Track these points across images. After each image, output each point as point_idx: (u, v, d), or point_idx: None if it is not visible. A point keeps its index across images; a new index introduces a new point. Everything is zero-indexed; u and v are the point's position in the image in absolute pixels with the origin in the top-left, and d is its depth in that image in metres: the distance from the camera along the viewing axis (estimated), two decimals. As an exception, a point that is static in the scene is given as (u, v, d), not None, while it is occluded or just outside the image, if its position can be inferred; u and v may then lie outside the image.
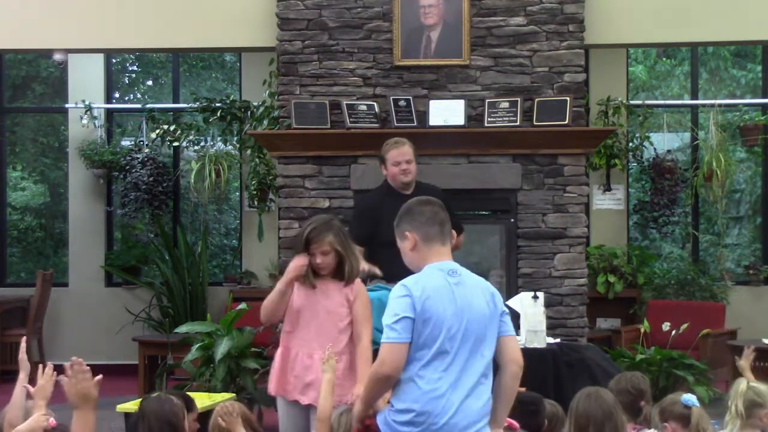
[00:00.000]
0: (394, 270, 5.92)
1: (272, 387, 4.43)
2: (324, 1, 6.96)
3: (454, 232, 5.10)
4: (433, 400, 3.17)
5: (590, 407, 3.65)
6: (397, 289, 3.26)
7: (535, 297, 5.91)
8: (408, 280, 3.27)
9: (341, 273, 4.30)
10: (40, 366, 3.38)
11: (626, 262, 8.80)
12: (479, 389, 3.24)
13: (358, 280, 4.39)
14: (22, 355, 3.67)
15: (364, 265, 5.25)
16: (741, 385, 3.90)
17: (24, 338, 3.92)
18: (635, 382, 4.10)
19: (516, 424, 3.68)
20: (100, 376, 3.04)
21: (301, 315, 4.36)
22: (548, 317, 6.18)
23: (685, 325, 6.70)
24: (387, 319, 3.23)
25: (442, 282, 3.26)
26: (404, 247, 3.40)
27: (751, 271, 9.19)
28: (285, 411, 4.43)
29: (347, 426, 3.73)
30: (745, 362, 4.81)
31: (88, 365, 3.24)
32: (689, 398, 3.65)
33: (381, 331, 5.77)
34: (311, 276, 4.33)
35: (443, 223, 3.39)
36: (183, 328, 6.97)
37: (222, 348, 6.20)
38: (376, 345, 5.61)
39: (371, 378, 3.35)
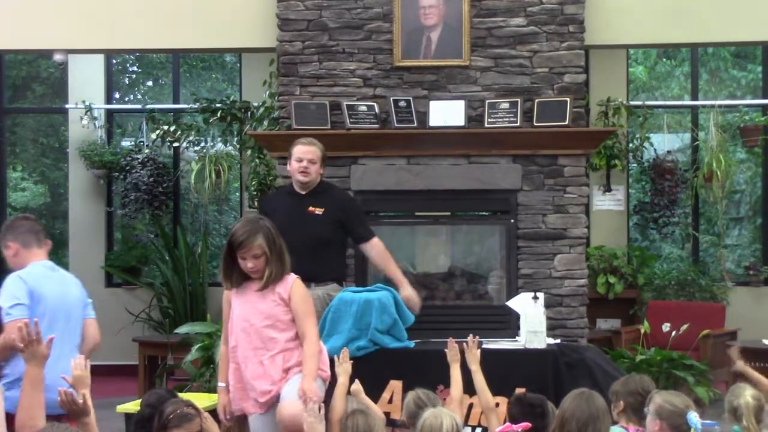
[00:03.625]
0: None
1: (236, 408, 4.33)
2: (324, 1, 6.96)
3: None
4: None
5: (577, 406, 3.66)
6: (15, 279, 4.16)
7: (535, 298, 5.91)
8: (23, 273, 4.21)
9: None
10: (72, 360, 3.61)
11: (626, 262, 8.80)
12: (71, 357, 3.76)
13: (291, 276, 4.24)
14: None
15: None
16: (745, 397, 3.87)
17: None
18: (645, 384, 4.10)
19: (528, 424, 3.70)
20: (51, 336, 3.55)
21: (241, 324, 4.23)
22: (548, 318, 6.18)
23: (685, 326, 6.70)
24: (6, 302, 4.07)
25: (48, 273, 4.30)
26: (8, 255, 4.38)
27: (751, 272, 9.19)
28: (257, 426, 4.26)
29: (358, 427, 3.74)
30: (740, 362, 4.79)
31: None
32: (695, 421, 3.63)
33: (381, 332, 5.81)
34: (237, 279, 4.22)
35: (38, 232, 4.40)
36: (183, 329, 6.97)
37: (222, 349, 6.18)
38: (376, 345, 5.65)
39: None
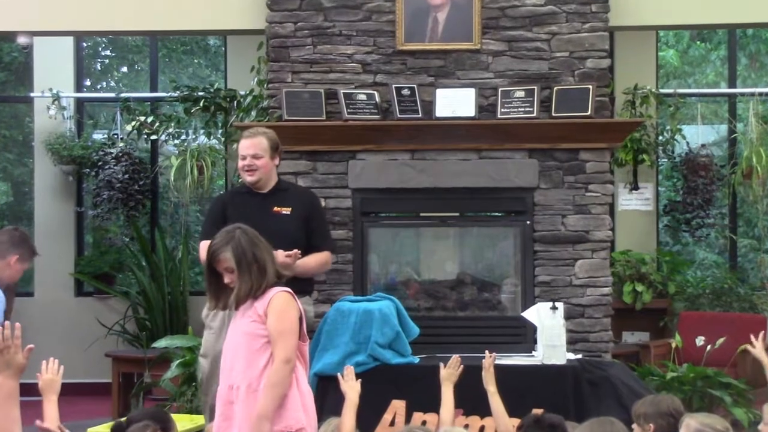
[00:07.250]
0: None
1: None
2: (319, -22, 6.98)
3: (297, 252, 5.12)
4: None
5: None
6: None
7: (554, 308, 5.92)
8: None
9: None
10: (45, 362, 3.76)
11: (656, 269, 8.81)
12: None
13: (275, 291, 4.08)
14: None
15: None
16: None
17: None
18: (676, 405, 4.13)
19: None
20: (30, 346, 3.51)
21: (225, 343, 4.20)
22: (568, 330, 6.20)
23: (721, 340, 6.71)
24: None
25: None
26: None
27: (794, 280, 9.21)
28: None
29: None
30: (760, 348, 4.76)
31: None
32: None
33: (382, 346, 5.82)
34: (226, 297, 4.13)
35: None
36: (162, 343, 6.99)
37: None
38: (377, 361, 5.66)
39: None
